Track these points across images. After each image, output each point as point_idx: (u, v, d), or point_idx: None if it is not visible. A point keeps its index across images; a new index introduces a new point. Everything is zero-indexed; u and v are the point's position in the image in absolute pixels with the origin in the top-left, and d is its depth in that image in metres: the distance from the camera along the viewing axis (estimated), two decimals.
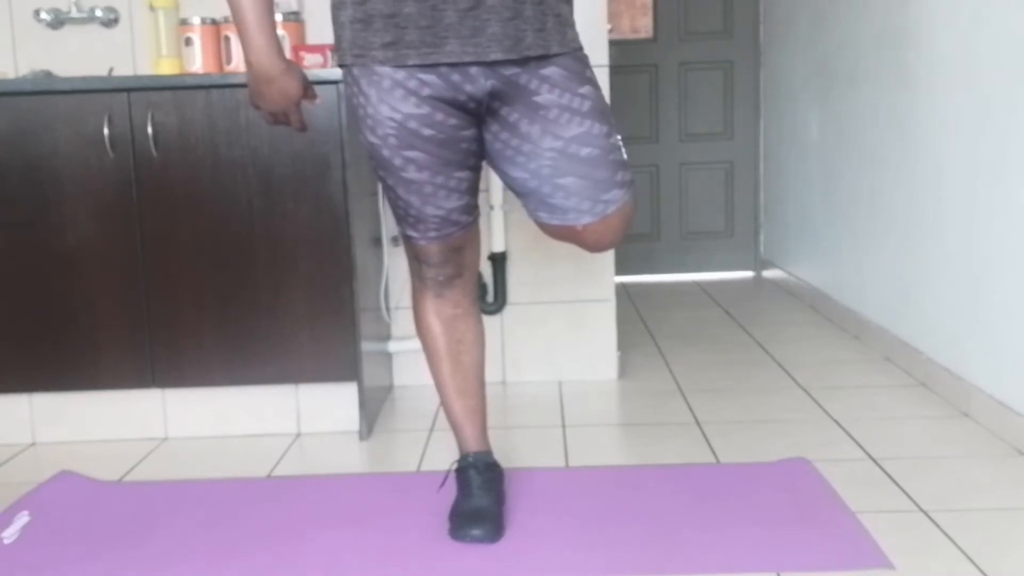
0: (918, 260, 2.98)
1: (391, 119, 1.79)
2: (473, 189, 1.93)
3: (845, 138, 3.66)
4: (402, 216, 1.92)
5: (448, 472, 2.16)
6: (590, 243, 1.92)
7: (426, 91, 1.77)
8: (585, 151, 1.82)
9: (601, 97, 1.87)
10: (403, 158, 1.82)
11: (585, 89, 1.84)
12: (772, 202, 4.83)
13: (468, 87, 1.79)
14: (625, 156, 1.89)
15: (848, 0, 3.58)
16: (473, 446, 2.06)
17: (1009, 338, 2.42)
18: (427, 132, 1.80)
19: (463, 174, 1.88)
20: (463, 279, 2.01)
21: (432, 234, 1.92)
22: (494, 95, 1.81)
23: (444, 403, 2.07)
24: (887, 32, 3.18)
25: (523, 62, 1.79)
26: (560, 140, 1.81)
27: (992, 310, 2.50)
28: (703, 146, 5.03)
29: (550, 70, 1.80)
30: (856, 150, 3.53)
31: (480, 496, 1.98)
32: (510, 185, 1.91)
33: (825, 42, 3.87)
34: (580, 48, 1.87)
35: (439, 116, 1.79)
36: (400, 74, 1.77)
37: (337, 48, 1.84)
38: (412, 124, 1.79)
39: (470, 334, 2.05)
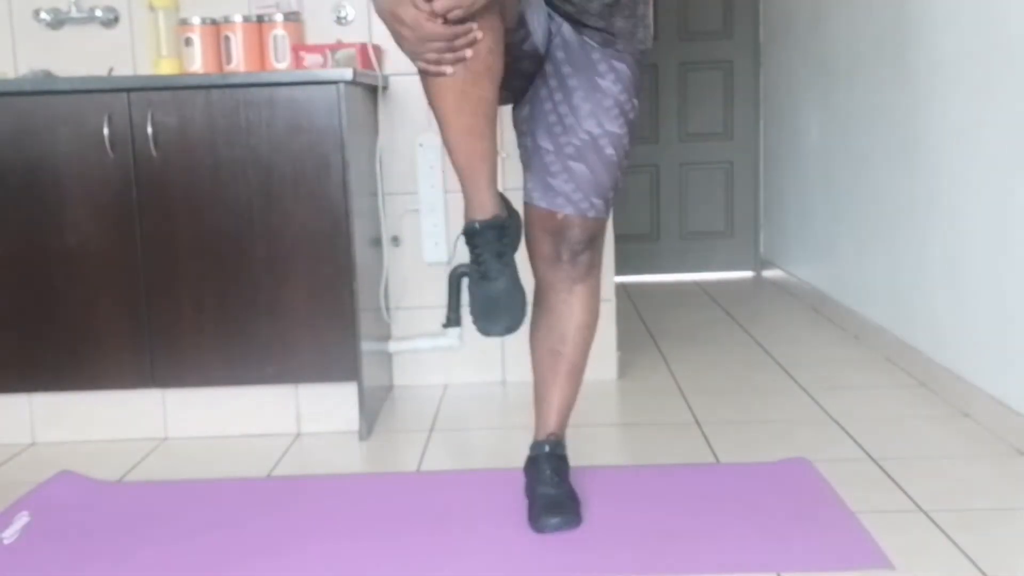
0: (918, 260, 2.98)
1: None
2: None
3: (845, 138, 3.66)
4: None
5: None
6: (553, 241, 1.95)
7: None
8: (609, 151, 1.92)
9: (638, 118, 1.97)
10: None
11: (637, 102, 1.95)
12: (772, 202, 4.83)
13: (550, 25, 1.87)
14: (621, 182, 1.97)
15: (848, 0, 3.58)
16: (478, 214, 1.81)
17: (1009, 337, 2.42)
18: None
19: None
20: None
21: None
22: (563, 45, 1.87)
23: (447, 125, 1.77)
24: (887, 32, 3.18)
25: (606, 41, 1.87)
26: (600, 129, 1.90)
27: (992, 310, 2.50)
28: (703, 146, 5.03)
29: (622, 67, 1.90)
30: (856, 150, 3.53)
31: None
32: (528, 153, 1.95)
33: (825, 42, 3.87)
34: (648, 49, 1.95)
35: (522, 32, 1.81)
36: None
37: None
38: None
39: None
